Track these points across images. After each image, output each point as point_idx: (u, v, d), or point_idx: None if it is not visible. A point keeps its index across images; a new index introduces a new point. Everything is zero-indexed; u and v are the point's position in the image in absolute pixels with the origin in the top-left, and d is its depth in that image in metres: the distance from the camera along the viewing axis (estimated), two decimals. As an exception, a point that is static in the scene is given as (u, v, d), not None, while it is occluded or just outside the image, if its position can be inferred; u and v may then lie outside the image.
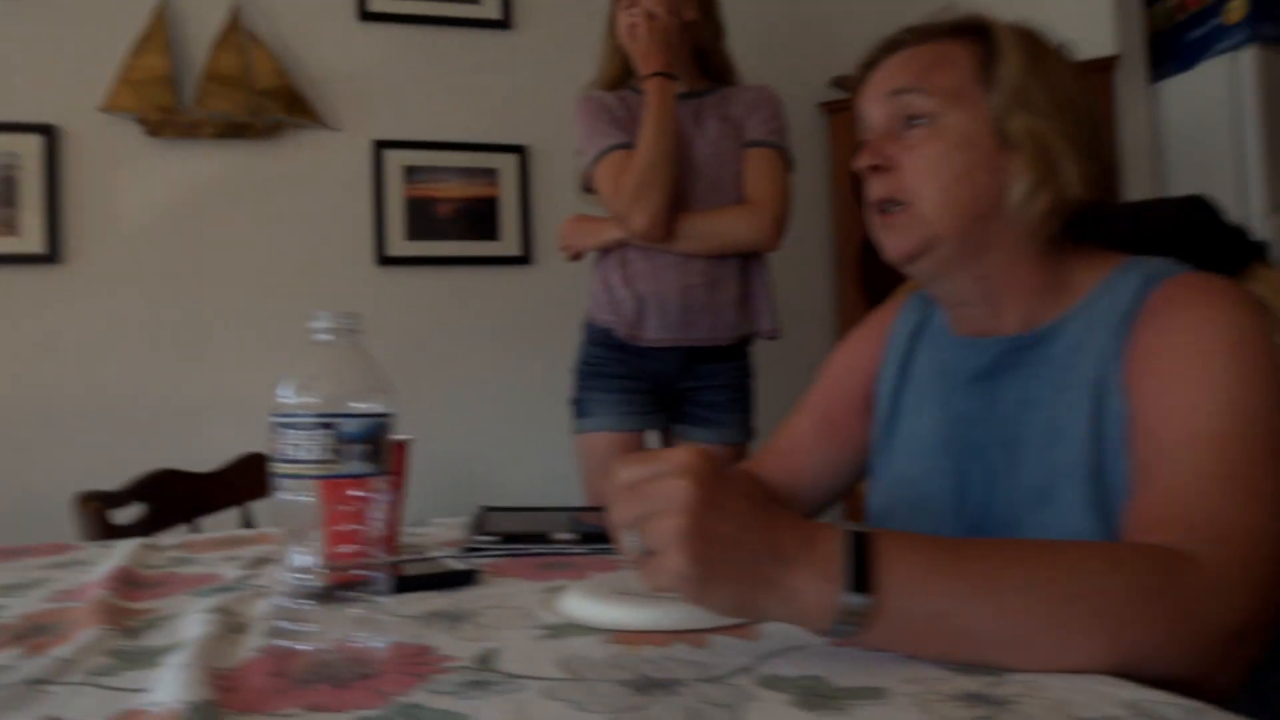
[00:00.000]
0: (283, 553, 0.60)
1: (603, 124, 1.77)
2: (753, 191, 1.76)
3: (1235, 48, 2.42)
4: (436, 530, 1.23)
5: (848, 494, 1.11)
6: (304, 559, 0.59)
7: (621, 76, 1.87)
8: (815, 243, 2.73)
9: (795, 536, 0.57)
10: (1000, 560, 0.57)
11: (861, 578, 0.55)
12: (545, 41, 2.53)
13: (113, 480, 1.59)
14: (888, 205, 0.84)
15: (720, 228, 1.74)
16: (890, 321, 1.04)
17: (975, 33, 0.84)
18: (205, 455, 1.77)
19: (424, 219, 2.41)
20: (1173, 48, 2.61)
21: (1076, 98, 0.82)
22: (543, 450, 2.41)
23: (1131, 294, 0.79)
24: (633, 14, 1.75)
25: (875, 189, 0.85)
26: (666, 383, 1.79)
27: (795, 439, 1.07)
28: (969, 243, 0.82)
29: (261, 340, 2.30)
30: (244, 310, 2.30)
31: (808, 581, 0.55)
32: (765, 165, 1.78)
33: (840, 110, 2.70)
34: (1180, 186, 2.51)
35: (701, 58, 1.86)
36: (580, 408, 1.82)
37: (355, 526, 0.60)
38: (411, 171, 2.41)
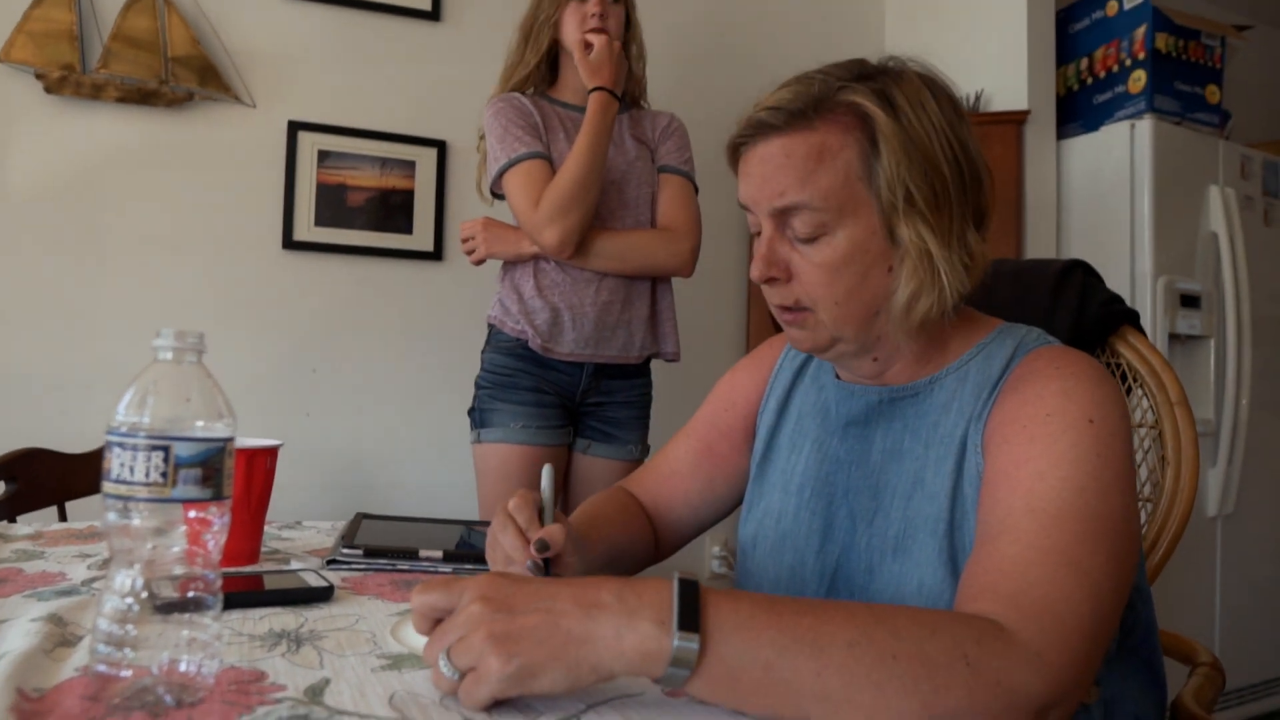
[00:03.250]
0: (111, 573, 0.58)
1: (517, 129, 1.72)
2: (671, 218, 1.78)
3: (1135, 116, 2.54)
4: (307, 535, 1.20)
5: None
6: (129, 581, 0.57)
7: (536, 78, 1.84)
8: (729, 265, 2.77)
9: (609, 590, 0.59)
10: (825, 618, 0.59)
11: (690, 622, 0.57)
12: (473, 36, 2.50)
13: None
14: (790, 309, 0.85)
15: (640, 250, 1.74)
16: (777, 355, 1.06)
17: (852, 113, 0.80)
18: (87, 432, 1.71)
19: (335, 206, 2.35)
20: (1080, 108, 2.73)
21: (958, 167, 0.80)
22: (441, 450, 2.38)
23: (1002, 360, 0.83)
24: (598, 23, 1.71)
25: (774, 297, 0.85)
26: (574, 397, 1.78)
27: (674, 464, 1.09)
28: (865, 338, 0.84)
29: (155, 317, 2.21)
30: (139, 284, 2.21)
31: (634, 628, 0.57)
32: (681, 193, 1.80)
33: (764, 135, 2.74)
34: (1079, 241, 2.62)
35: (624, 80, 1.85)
36: (483, 418, 1.77)
37: (189, 548, 0.59)
38: (325, 156, 2.35)
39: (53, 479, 1.54)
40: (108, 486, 0.57)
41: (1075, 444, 0.72)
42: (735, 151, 0.87)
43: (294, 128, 2.33)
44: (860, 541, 0.86)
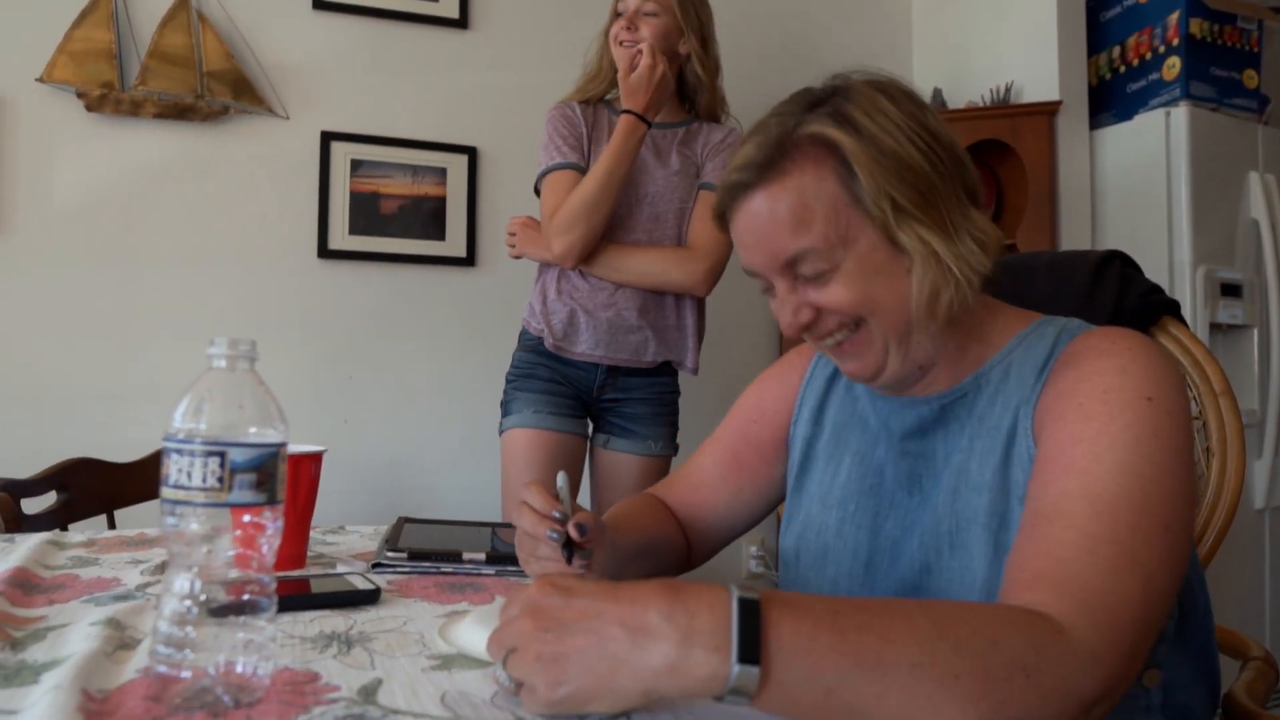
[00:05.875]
0: (169, 577, 0.59)
1: (559, 139, 1.79)
2: (694, 236, 1.79)
3: (1170, 103, 2.50)
4: (350, 540, 1.22)
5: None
6: (187, 584, 0.58)
7: (608, 88, 1.88)
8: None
9: (657, 609, 0.56)
10: (888, 636, 0.57)
11: (751, 652, 0.55)
12: (501, 43, 2.52)
13: (30, 463, 1.56)
14: (836, 335, 0.84)
15: (655, 267, 1.76)
16: (806, 364, 1.05)
17: (817, 144, 0.79)
18: (130, 442, 1.74)
19: (368, 214, 2.38)
20: (1113, 97, 2.69)
21: (933, 156, 0.79)
22: (477, 454, 2.40)
23: (1046, 346, 0.82)
24: (635, 42, 1.75)
25: (817, 334, 0.84)
26: (591, 392, 1.83)
27: (703, 474, 1.08)
28: (906, 348, 0.83)
29: (195, 328, 2.26)
30: (178, 296, 2.26)
31: (688, 655, 0.55)
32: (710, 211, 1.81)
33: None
34: (1115, 231, 2.58)
35: (691, 92, 1.87)
36: (506, 408, 1.85)
37: (243, 552, 0.60)
38: (358, 165, 2.38)
39: (102, 488, 1.58)
40: (165, 492, 0.58)
41: (1132, 424, 0.71)
42: (723, 219, 0.87)
43: (327, 138, 2.36)
44: (913, 544, 0.85)
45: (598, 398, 1.83)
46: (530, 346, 1.85)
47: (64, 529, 1.45)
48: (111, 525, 1.57)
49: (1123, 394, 0.72)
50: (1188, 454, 0.72)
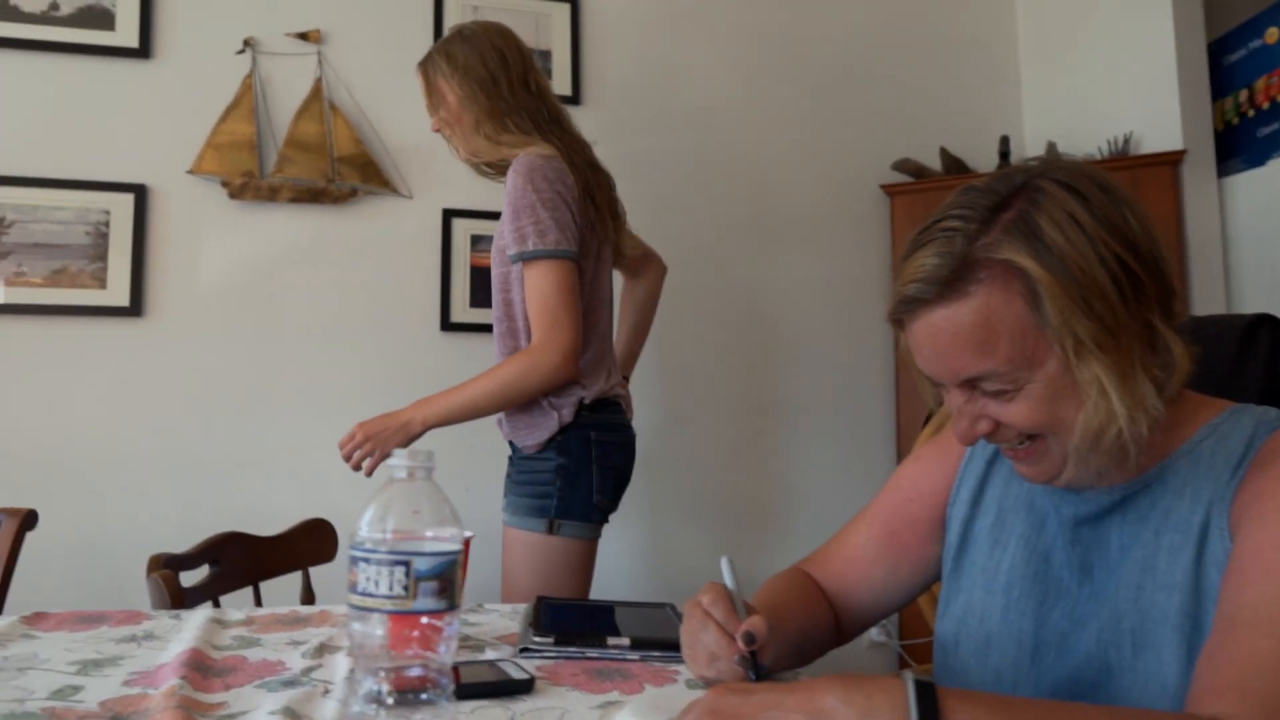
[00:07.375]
0: (351, 665, 0.62)
1: None
2: (534, 329, 1.68)
3: (1308, 147, 2.40)
4: (492, 619, 1.24)
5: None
6: (373, 686, 0.61)
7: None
8: (875, 323, 2.74)
9: (834, 694, 0.58)
10: None
11: None
12: (613, 116, 2.59)
13: (178, 531, 1.65)
14: (1013, 443, 0.82)
15: (519, 386, 1.69)
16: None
17: (1005, 268, 0.75)
18: (268, 509, 1.83)
19: (488, 287, 2.46)
20: (1242, 143, 2.60)
21: (1127, 275, 0.74)
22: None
23: (1241, 438, 0.78)
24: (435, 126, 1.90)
25: (992, 441, 0.83)
26: None
27: (857, 549, 1.06)
28: (1083, 460, 0.79)
29: (326, 399, 2.36)
30: (314, 370, 2.37)
31: None
32: (534, 289, 1.67)
33: (902, 193, 2.72)
34: (1251, 285, 2.47)
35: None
36: None
37: (425, 653, 0.63)
38: (477, 240, 2.47)
39: (249, 561, 1.65)
40: (353, 599, 0.61)
41: None
42: (898, 324, 0.83)
43: (448, 215, 2.47)
44: (1087, 638, 0.82)
45: None
46: None
47: (216, 603, 1.52)
48: (257, 598, 1.64)
49: None
50: None
